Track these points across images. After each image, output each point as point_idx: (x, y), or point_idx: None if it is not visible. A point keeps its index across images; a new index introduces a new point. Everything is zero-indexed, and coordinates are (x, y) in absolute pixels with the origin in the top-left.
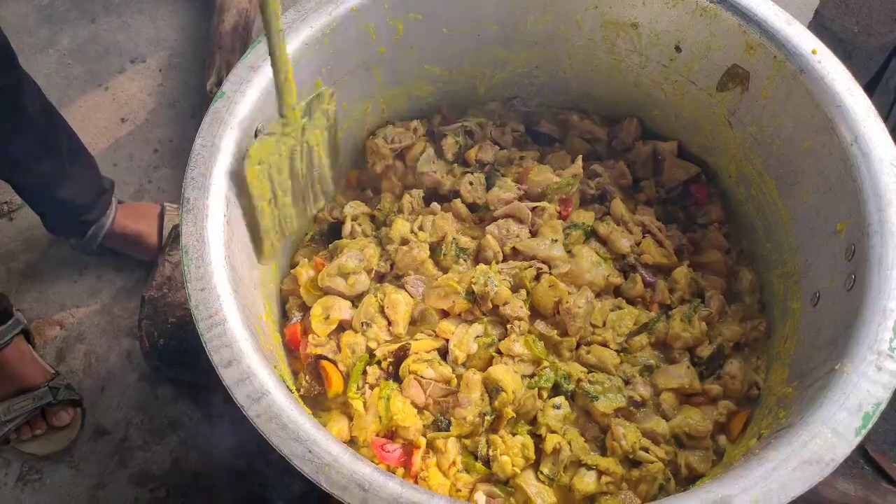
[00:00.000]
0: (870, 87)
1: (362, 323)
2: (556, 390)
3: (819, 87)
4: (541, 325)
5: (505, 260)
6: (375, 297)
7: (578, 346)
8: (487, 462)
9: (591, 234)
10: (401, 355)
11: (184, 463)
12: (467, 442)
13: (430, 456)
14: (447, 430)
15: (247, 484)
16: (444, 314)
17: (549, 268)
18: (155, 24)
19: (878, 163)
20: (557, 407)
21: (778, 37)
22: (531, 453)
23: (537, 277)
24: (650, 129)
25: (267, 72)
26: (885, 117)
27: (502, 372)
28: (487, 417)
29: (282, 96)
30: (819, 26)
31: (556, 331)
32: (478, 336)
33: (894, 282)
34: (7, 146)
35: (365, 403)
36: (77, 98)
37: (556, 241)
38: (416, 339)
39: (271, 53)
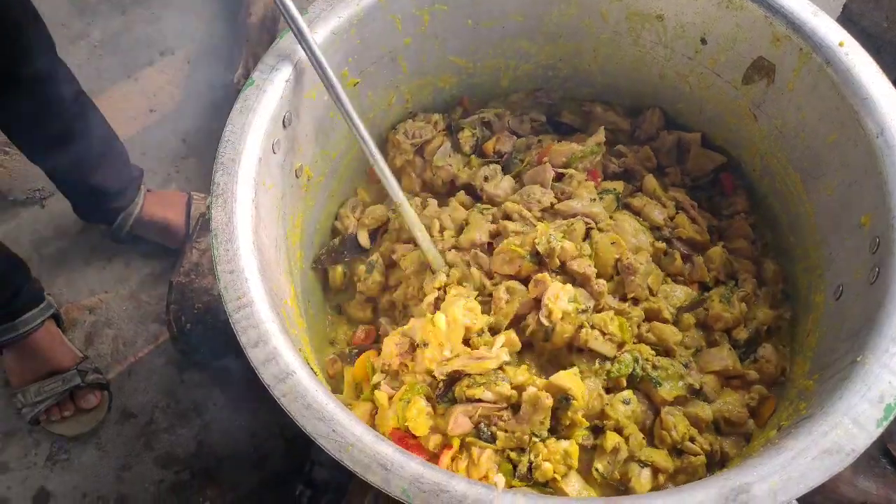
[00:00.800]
0: None
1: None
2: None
3: (845, 80)
4: (613, 301)
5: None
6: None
7: (644, 320)
8: (528, 477)
9: (623, 206)
10: (455, 377)
11: (208, 446)
12: (512, 455)
13: (463, 458)
14: (490, 441)
15: (269, 468)
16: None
17: (596, 225)
18: (183, 16)
19: None
20: (626, 402)
21: (804, 28)
22: (574, 461)
23: (587, 235)
24: (674, 122)
25: (295, 59)
26: None
27: (570, 380)
28: (535, 439)
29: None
30: (847, 21)
31: (624, 305)
32: (571, 299)
33: None
34: (41, 132)
35: (390, 399)
36: (107, 88)
37: (594, 199)
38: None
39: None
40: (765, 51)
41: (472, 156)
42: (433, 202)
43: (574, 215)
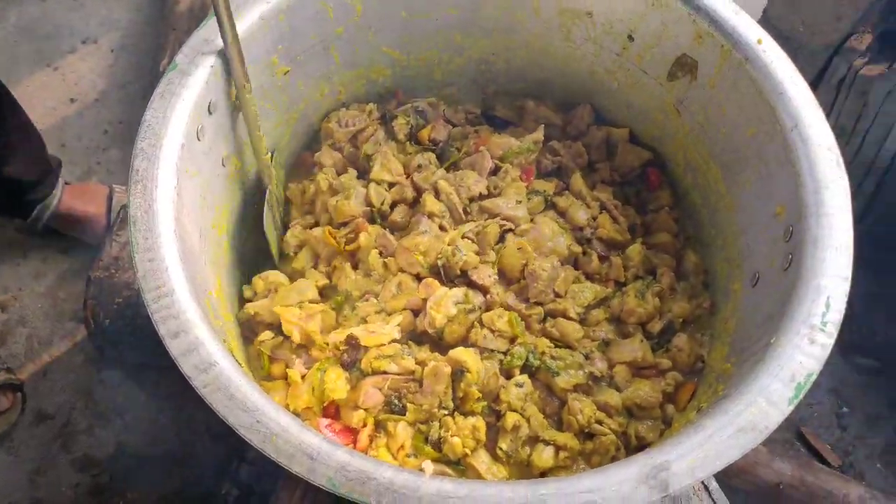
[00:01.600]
0: (813, 85)
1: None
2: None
3: (763, 76)
4: (510, 297)
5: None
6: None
7: (545, 318)
8: (438, 446)
9: (549, 206)
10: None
11: (128, 447)
12: (422, 427)
13: (381, 436)
14: (401, 413)
15: (194, 468)
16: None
17: (513, 228)
18: (108, 4)
19: (816, 148)
20: (520, 385)
21: (725, 26)
22: (482, 435)
23: (501, 239)
24: (603, 118)
25: (219, 46)
26: (828, 114)
27: (466, 354)
28: (442, 412)
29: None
30: (766, 24)
31: (523, 305)
32: (458, 302)
33: (827, 261)
34: None
35: (303, 376)
36: (24, 77)
37: (520, 202)
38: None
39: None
40: (688, 48)
41: (408, 143)
42: (353, 171)
43: (496, 216)
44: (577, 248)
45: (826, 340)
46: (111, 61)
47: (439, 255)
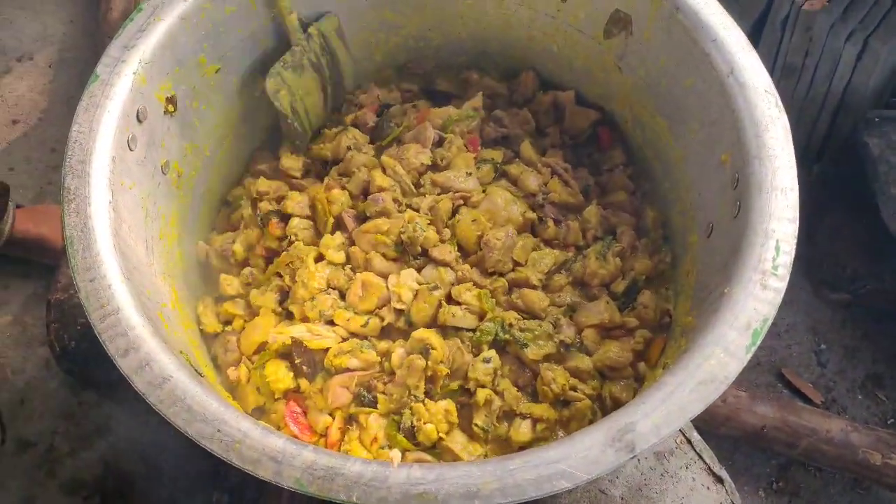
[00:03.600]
0: (757, 27)
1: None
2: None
3: (694, 23)
4: (475, 274)
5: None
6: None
7: (510, 290)
8: (412, 434)
9: (500, 175)
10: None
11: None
12: (395, 417)
13: (353, 429)
14: (372, 405)
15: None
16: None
17: (466, 200)
18: (40, 18)
19: (753, 91)
20: (487, 361)
21: None
22: (454, 417)
23: (455, 212)
24: (549, 82)
25: (143, 49)
26: (775, 53)
27: (429, 333)
28: (412, 399)
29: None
30: None
31: (487, 280)
32: (418, 280)
33: (774, 204)
34: None
35: (248, 376)
36: None
37: (469, 174)
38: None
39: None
40: (620, 2)
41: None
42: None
43: (448, 189)
44: (532, 215)
45: (778, 284)
46: (50, 77)
47: (402, 231)
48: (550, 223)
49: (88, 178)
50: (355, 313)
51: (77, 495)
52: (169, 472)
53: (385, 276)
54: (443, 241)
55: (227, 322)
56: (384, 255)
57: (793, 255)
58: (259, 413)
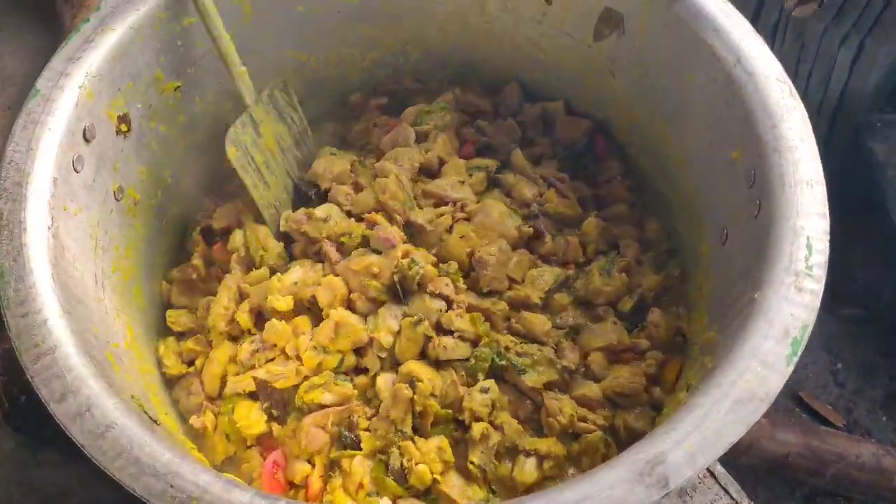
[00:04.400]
0: None
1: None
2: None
3: (693, 13)
4: (472, 297)
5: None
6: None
7: (508, 318)
8: (402, 477)
9: (492, 184)
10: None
11: None
12: (382, 457)
13: (335, 476)
14: (355, 447)
15: None
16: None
17: (463, 208)
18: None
19: (763, 80)
20: (485, 391)
21: None
22: (449, 455)
23: (450, 229)
24: (536, 94)
25: (90, 62)
26: None
27: (415, 365)
28: (399, 436)
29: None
30: None
31: (488, 302)
32: (396, 316)
33: (800, 198)
34: None
35: (216, 423)
36: None
37: (462, 182)
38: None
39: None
40: (610, 0)
41: None
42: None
43: (442, 201)
44: (528, 229)
45: (814, 286)
46: (10, 119)
47: (395, 271)
48: (549, 238)
49: (25, 201)
50: (325, 353)
51: None
52: None
53: (364, 316)
54: (440, 275)
55: (191, 362)
56: (368, 298)
57: (827, 254)
58: (230, 464)
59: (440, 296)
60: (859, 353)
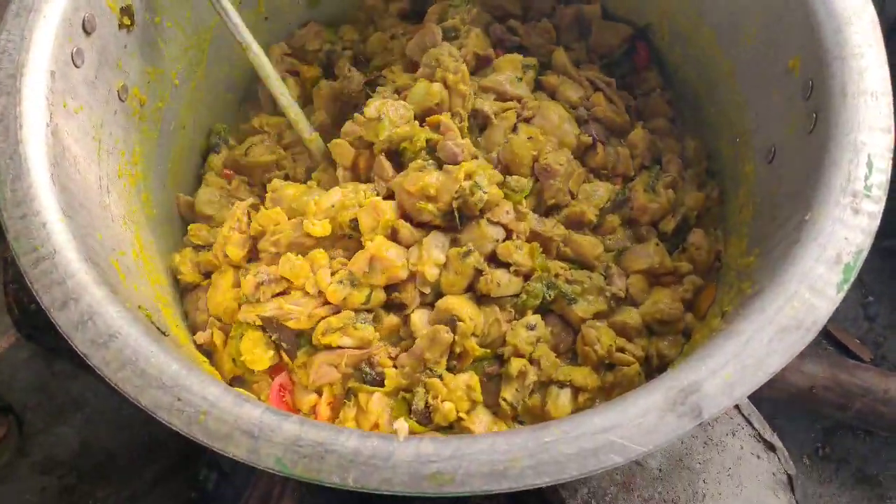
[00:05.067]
0: None
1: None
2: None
3: None
4: (533, 221)
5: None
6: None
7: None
8: (427, 418)
9: (537, 87)
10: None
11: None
12: (406, 395)
13: (349, 405)
14: (377, 383)
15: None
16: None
17: (524, 108)
18: None
19: None
20: (531, 327)
21: None
22: (478, 394)
23: (514, 129)
24: None
25: None
26: None
27: (458, 301)
28: (428, 374)
29: None
30: None
31: (550, 222)
32: (440, 246)
33: (863, 111)
34: None
35: (225, 340)
36: None
37: (519, 78)
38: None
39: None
40: None
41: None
42: None
43: (504, 96)
44: (587, 138)
45: (873, 207)
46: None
47: (456, 195)
48: (600, 148)
49: (19, 95)
50: (353, 286)
51: (52, 475)
52: (150, 449)
53: (407, 246)
54: (503, 201)
55: (208, 274)
56: (417, 225)
57: (889, 173)
58: (238, 383)
59: (499, 224)
60: (894, 286)
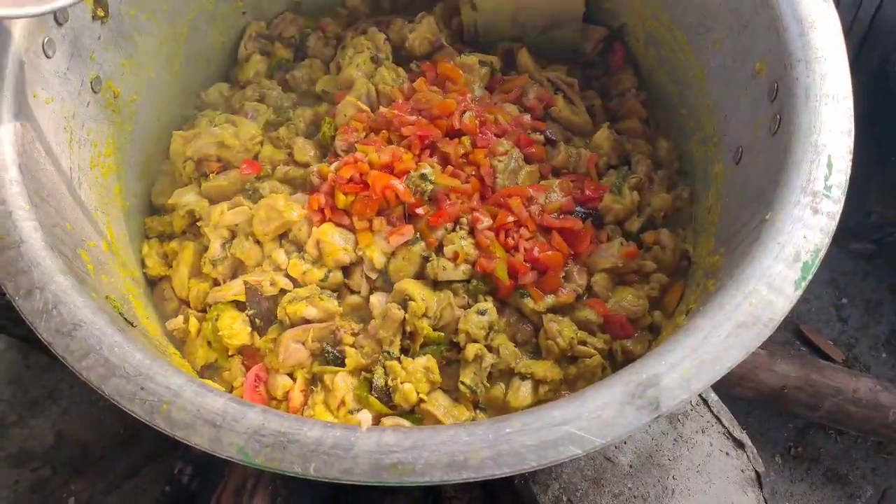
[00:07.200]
0: None
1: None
2: None
3: None
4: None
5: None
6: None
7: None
8: (387, 395)
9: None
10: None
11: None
12: (367, 374)
13: (317, 391)
14: (338, 363)
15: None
16: None
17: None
18: None
19: None
20: (482, 313)
21: None
22: (436, 376)
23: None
24: None
25: None
26: None
27: (410, 284)
28: (385, 356)
29: None
30: None
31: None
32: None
33: (824, 113)
34: None
35: (199, 328)
36: None
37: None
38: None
39: None
40: None
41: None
42: None
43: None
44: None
45: (832, 207)
46: None
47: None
48: (562, 147)
49: None
50: (312, 264)
51: (25, 467)
52: (126, 441)
53: (352, 231)
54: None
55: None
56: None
57: (848, 174)
58: (210, 371)
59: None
60: (866, 289)
